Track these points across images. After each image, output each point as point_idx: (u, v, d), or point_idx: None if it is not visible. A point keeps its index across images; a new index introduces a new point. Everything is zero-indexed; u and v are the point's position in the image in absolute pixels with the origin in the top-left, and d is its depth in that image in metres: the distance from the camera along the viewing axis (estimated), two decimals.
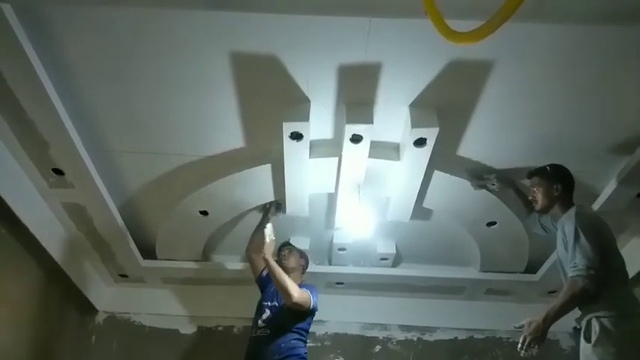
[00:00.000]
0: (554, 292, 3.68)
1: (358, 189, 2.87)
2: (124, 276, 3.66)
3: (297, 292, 2.66)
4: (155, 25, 2.09)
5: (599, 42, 2.11)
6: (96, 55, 2.23)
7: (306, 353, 2.75)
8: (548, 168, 2.46)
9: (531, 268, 3.53)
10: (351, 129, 2.37)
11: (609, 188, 2.73)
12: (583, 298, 2.12)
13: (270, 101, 2.43)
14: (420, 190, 2.78)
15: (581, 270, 2.11)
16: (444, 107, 2.41)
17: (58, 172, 2.67)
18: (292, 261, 3.00)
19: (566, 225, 2.29)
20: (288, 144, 2.44)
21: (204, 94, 2.41)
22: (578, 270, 2.12)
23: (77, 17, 2.07)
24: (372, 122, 2.37)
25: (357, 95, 2.38)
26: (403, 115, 2.46)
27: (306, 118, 2.36)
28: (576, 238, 2.17)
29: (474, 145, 2.68)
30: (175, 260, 3.50)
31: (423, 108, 2.40)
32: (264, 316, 2.85)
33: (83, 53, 2.22)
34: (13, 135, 2.44)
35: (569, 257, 2.22)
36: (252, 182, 2.83)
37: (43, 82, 2.19)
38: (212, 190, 2.88)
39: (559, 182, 2.42)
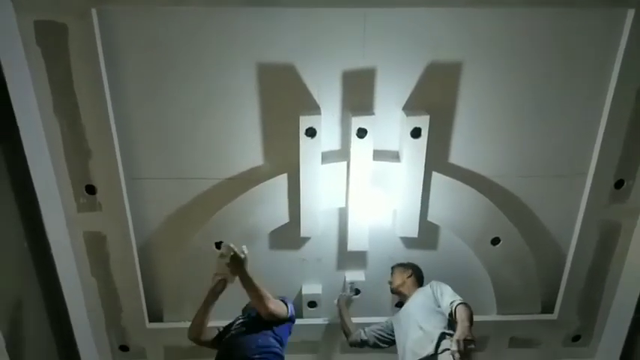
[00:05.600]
0: (579, 337, 3.58)
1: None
2: (124, 349, 3.41)
3: (272, 303, 2.62)
4: (197, 38, 2.68)
5: (560, 29, 2.73)
6: (144, 70, 2.75)
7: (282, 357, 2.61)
8: None
9: (547, 308, 3.50)
10: (356, 122, 2.81)
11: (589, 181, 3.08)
12: None
13: (286, 112, 2.88)
14: (422, 199, 3.04)
15: None
16: (431, 111, 2.89)
17: (91, 190, 2.90)
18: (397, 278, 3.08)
19: None
20: (304, 141, 2.82)
21: (229, 109, 2.88)
22: None
23: (136, 31, 2.64)
24: (373, 113, 2.84)
25: (358, 100, 2.89)
26: (398, 120, 2.95)
27: (318, 112, 2.82)
28: None
29: (462, 152, 3.08)
30: (183, 322, 3.35)
31: (414, 109, 2.90)
32: (239, 322, 2.75)
33: (135, 67, 2.74)
34: (61, 141, 2.78)
35: None
36: (268, 199, 3.06)
37: (105, 90, 2.67)
38: (228, 213, 3.08)
39: None
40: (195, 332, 2.77)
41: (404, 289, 3.00)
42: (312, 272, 3.42)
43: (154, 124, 2.90)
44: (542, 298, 3.48)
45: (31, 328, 2.86)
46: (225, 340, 2.68)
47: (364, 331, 3.04)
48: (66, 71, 2.63)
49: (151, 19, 2.63)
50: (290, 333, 2.82)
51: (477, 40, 2.77)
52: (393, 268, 3.17)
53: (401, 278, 3.05)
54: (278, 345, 2.63)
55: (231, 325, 2.80)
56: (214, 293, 2.74)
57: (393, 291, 3.09)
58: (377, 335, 3.00)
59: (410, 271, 3.07)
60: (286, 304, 2.75)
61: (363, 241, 3.17)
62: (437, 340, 2.53)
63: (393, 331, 2.94)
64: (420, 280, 3.06)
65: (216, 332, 2.80)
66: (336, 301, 3.32)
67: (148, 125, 2.90)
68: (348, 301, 3.34)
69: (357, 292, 3.41)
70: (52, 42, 2.57)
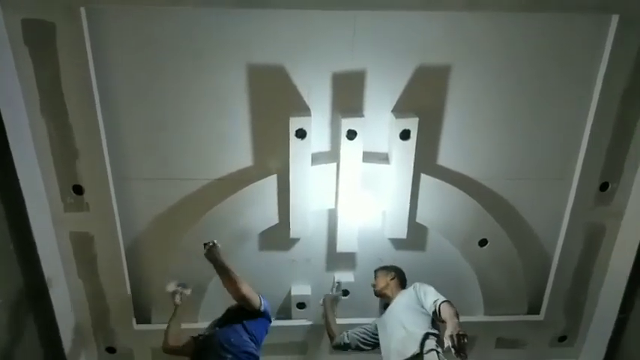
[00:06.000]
0: (564, 337, 3.62)
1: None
2: (111, 351, 3.39)
3: (245, 287, 2.61)
4: (187, 38, 2.68)
5: (548, 31, 2.77)
6: (134, 70, 2.74)
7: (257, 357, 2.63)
8: None
9: (533, 309, 3.55)
10: (346, 124, 2.82)
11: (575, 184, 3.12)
12: None
13: (276, 113, 2.88)
14: (411, 201, 3.06)
15: None
16: (420, 114, 2.91)
17: (78, 190, 2.88)
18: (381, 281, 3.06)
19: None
20: (294, 142, 2.83)
21: (221, 110, 2.88)
22: None
23: (126, 30, 2.63)
24: (363, 115, 2.85)
25: (348, 102, 2.90)
26: (388, 122, 2.97)
27: (308, 114, 2.83)
28: None
29: (450, 155, 3.11)
30: None
31: (404, 112, 2.92)
32: (211, 323, 2.79)
33: (124, 67, 2.73)
34: (49, 142, 2.76)
35: None
36: (257, 200, 3.06)
37: (94, 89, 2.65)
38: (217, 214, 3.07)
39: None
40: (165, 341, 2.77)
41: (387, 292, 3.02)
42: (302, 273, 3.42)
43: (143, 124, 2.88)
44: (529, 299, 3.53)
45: (17, 329, 2.83)
46: (198, 342, 2.67)
47: (347, 335, 3.04)
48: (54, 71, 2.60)
49: (140, 18, 2.62)
50: (267, 332, 2.81)
51: (466, 44, 2.81)
52: (376, 271, 3.18)
53: (384, 281, 3.07)
54: (253, 345, 2.62)
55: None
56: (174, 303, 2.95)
57: (377, 294, 3.10)
58: (359, 338, 3.01)
59: (393, 274, 3.09)
60: (260, 298, 2.74)
61: (352, 242, 3.18)
62: (421, 340, 2.55)
63: (376, 334, 2.95)
64: (403, 282, 3.08)
65: (189, 338, 2.76)
66: (321, 301, 3.31)
67: (136, 125, 2.88)
68: (335, 301, 3.33)
69: (346, 293, 3.41)
70: (40, 41, 2.54)
